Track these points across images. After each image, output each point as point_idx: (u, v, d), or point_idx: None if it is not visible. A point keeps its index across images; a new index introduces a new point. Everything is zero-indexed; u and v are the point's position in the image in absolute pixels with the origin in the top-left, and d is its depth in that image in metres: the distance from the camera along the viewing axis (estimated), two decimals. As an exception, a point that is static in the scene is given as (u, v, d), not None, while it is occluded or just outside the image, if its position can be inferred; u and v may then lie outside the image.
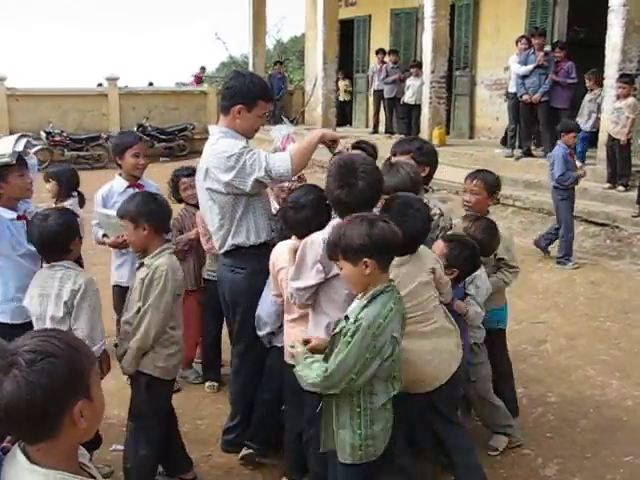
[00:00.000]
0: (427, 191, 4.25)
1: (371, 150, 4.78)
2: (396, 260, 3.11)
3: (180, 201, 5.22)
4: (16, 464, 1.71)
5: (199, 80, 24.79)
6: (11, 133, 18.87)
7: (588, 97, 11.02)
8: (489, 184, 4.34)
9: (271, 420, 4.09)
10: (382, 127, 16.44)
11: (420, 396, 3.38)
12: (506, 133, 12.97)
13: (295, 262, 3.30)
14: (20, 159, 3.94)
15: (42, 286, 3.57)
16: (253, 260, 3.91)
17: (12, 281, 3.91)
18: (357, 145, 4.83)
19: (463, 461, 3.61)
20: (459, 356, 3.51)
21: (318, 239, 3.23)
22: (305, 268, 3.23)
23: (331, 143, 3.85)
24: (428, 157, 4.17)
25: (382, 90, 15.68)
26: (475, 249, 3.78)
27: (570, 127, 8.66)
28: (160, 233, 3.72)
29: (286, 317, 3.67)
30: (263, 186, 3.82)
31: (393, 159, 4.10)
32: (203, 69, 26.12)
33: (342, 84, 18.44)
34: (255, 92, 3.87)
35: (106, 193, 4.95)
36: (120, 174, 4.99)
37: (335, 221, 3.32)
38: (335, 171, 3.29)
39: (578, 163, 8.86)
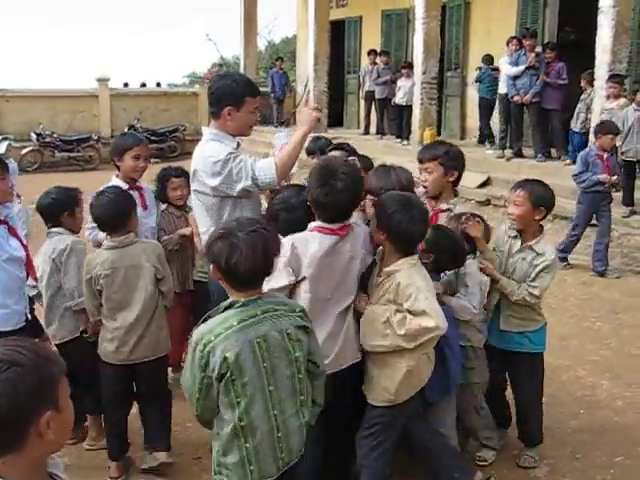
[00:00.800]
0: (456, 195, 4.18)
1: (350, 149, 4.78)
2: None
3: (165, 201, 5.13)
4: None
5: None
6: (1, 134, 18.86)
7: (582, 97, 11.01)
8: (535, 196, 3.95)
9: None
10: (373, 128, 16.46)
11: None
12: (481, 133, 13.09)
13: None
14: (1, 162, 3.88)
15: (43, 252, 4.29)
16: None
17: None
18: (337, 146, 4.83)
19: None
20: None
21: (287, 242, 3.22)
22: (278, 269, 3.18)
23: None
24: (456, 161, 4.04)
25: (373, 91, 15.68)
26: (456, 242, 3.71)
27: (608, 128, 8.15)
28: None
29: None
30: (249, 191, 3.80)
31: (418, 165, 4.09)
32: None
33: None
34: (240, 90, 3.84)
35: None
36: (117, 175, 4.85)
37: (313, 224, 3.32)
38: (316, 172, 3.31)
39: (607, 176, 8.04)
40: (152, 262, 4.06)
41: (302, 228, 3.39)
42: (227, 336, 2.62)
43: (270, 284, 3.17)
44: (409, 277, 3.28)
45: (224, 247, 2.64)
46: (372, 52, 15.92)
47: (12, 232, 3.90)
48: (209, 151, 3.79)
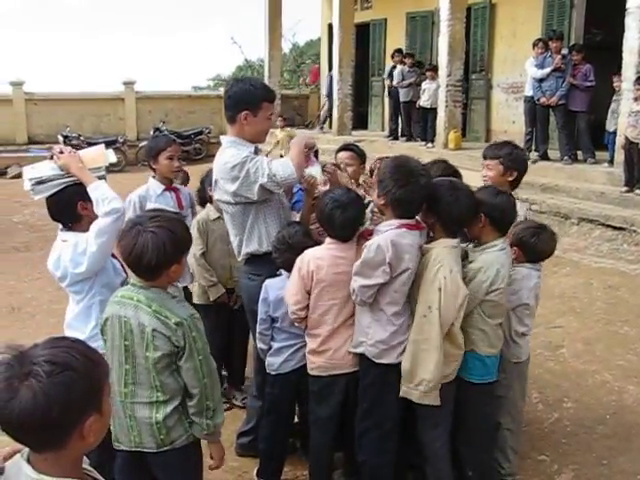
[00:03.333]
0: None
1: (359, 150, 4.80)
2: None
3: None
4: (21, 475, 1.70)
5: (316, 75, 23.01)
6: (29, 137, 19.12)
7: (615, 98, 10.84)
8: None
9: (278, 451, 4.05)
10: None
11: None
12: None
13: (361, 261, 3.40)
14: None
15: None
16: (269, 266, 3.88)
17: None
18: (346, 147, 4.84)
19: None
20: None
21: (386, 242, 3.33)
22: (372, 268, 3.35)
23: (307, 150, 3.87)
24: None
25: (397, 92, 15.56)
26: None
27: None
28: None
29: (309, 344, 3.72)
30: (269, 192, 3.76)
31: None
32: (317, 66, 24.55)
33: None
34: (257, 94, 3.84)
35: (143, 195, 4.91)
36: (154, 177, 4.99)
37: (394, 222, 3.41)
38: (394, 172, 3.41)
39: None
40: None
41: (357, 225, 3.58)
42: (110, 303, 2.96)
43: (363, 281, 3.37)
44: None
45: (129, 241, 2.80)
46: (397, 52, 15.81)
47: None
48: (226, 157, 3.80)
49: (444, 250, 3.43)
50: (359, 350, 3.55)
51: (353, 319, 3.61)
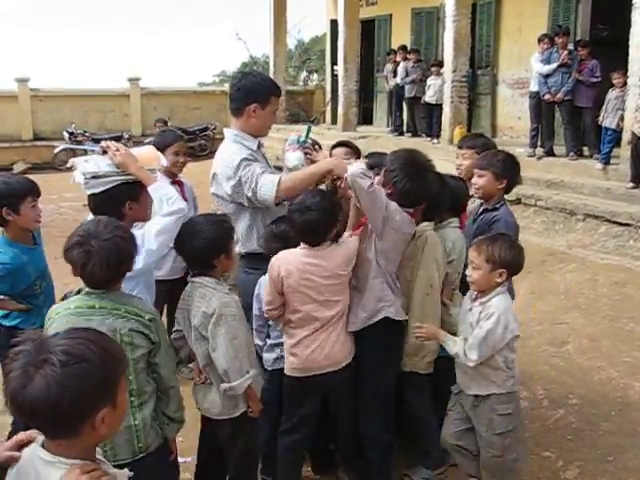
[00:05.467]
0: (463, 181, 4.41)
1: (354, 146, 4.79)
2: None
3: None
4: (35, 459, 1.73)
5: None
6: (34, 133, 19.15)
7: (614, 94, 10.76)
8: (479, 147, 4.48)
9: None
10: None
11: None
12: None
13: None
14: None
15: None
16: (267, 262, 3.75)
17: None
18: (341, 143, 4.84)
19: None
20: None
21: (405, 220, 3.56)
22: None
23: (336, 180, 3.76)
24: (509, 171, 4.14)
25: (403, 88, 15.53)
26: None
27: None
28: None
29: (287, 341, 3.64)
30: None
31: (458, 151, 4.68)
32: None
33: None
34: (267, 88, 3.86)
35: None
36: (159, 170, 5.01)
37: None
38: (405, 164, 3.54)
39: None
40: None
41: (322, 229, 3.43)
42: (62, 316, 2.75)
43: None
44: None
45: (80, 255, 2.70)
46: (401, 49, 15.79)
47: None
48: (226, 155, 3.79)
49: (434, 233, 3.77)
50: (380, 316, 3.60)
51: (331, 325, 3.55)
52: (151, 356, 2.86)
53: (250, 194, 3.67)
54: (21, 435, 1.88)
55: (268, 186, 3.64)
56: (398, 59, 15.71)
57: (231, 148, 3.80)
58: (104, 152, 3.34)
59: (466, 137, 4.95)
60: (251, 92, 3.84)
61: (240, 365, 3.20)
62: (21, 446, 1.85)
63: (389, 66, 16.26)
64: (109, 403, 1.69)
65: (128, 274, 3.09)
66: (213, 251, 3.28)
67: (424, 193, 3.56)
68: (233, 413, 3.33)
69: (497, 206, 4.08)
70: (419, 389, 3.94)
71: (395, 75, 15.66)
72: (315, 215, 3.40)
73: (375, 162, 3.98)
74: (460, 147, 4.70)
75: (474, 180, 4.15)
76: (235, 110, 3.89)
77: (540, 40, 11.73)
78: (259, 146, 3.94)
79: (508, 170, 4.13)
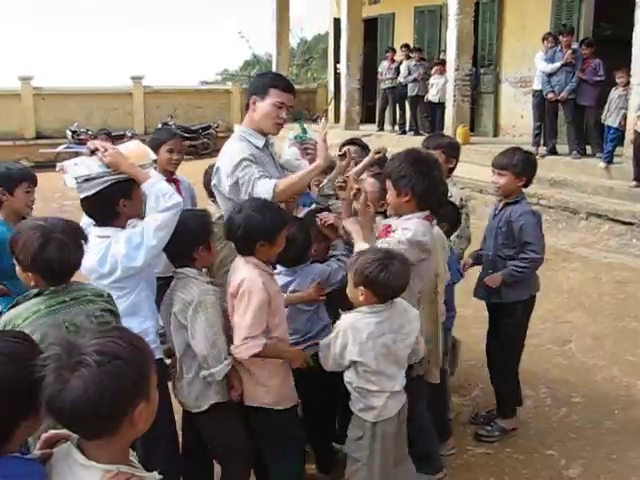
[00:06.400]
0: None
1: (363, 144, 4.85)
2: None
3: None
4: (70, 461, 1.73)
5: None
6: (37, 132, 19.17)
7: (617, 93, 10.75)
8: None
9: None
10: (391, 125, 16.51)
11: None
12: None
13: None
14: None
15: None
16: None
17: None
18: (350, 141, 4.86)
19: None
20: None
21: (421, 227, 3.42)
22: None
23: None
24: (456, 151, 4.76)
25: (406, 86, 15.53)
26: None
27: None
28: None
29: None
30: None
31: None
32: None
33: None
34: (265, 81, 3.89)
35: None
36: (155, 168, 5.02)
37: (419, 214, 3.44)
38: (415, 165, 3.42)
39: None
40: None
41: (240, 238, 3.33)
42: (33, 320, 2.65)
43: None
44: None
45: (55, 251, 2.67)
46: (404, 47, 15.77)
47: None
48: (229, 152, 3.82)
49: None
50: None
51: None
52: None
53: (247, 197, 3.67)
54: (49, 434, 1.89)
55: (263, 192, 3.65)
56: (397, 57, 15.72)
57: (235, 145, 3.83)
58: (92, 152, 3.31)
59: (430, 137, 5.03)
60: (252, 86, 4.00)
61: (219, 352, 3.24)
62: (50, 445, 1.86)
63: (385, 63, 16.26)
64: (144, 397, 1.70)
65: (132, 270, 3.17)
66: (193, 243, 3.38)
67: (439, 189, 3.52)
68: (203, 405, 3.37)
69: (518, 199, 4.43)
70: (421, 396, 3.86)
71: (395, 73, 15.66)
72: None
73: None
74: (494, 166, 4.51)
75: (495, 179, 4.43)
76: (245, 107, 4.00)
77: (544, 39, 11.72)
78: (267, 145, 3.95)
79: (527, 168, 4.41)
